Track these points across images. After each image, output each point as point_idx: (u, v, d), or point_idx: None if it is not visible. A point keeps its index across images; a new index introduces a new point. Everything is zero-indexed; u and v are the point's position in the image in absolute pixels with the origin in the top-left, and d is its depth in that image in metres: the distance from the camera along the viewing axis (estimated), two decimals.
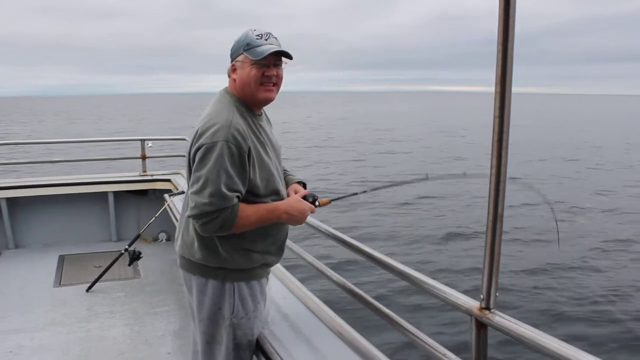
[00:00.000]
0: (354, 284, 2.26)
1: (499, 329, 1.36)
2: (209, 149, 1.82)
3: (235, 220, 1.86)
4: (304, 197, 2.08)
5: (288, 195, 2.12)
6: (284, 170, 2.25)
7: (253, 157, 1.92)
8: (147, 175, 6.17)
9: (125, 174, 6.29)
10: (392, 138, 31.26)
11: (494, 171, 1.30)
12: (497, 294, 1.38)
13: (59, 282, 4.75)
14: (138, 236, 4.87)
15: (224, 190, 1.81)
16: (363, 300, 2.13)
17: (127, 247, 4.65)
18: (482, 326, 1.41)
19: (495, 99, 1.27)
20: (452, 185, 14.21)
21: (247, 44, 1.94)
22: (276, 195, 2.04)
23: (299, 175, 2.28)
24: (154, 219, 4.92)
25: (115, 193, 6.00)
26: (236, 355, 2.09)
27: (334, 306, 2.44)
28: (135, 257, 4.57)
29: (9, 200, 5.64)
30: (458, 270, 8.10)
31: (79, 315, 4.04)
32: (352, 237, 2.19)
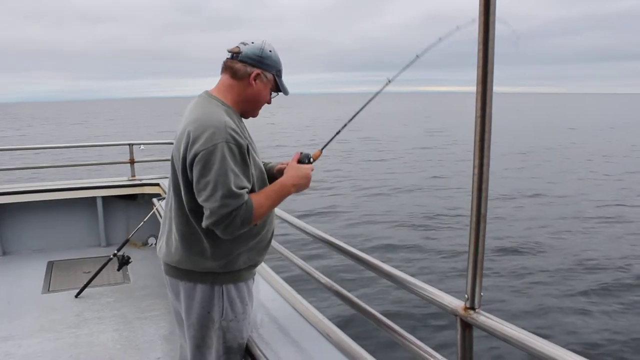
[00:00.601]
0: (341, 285, 2.26)
1: (484, 328, 1.35)
2: (210, 153, 1.79)
3: (252, 213, 1.86)
4: (299, 161, 2.10)
5: (280, 171, 2.13)
6: (263, 162, 2.24)
7: (251, 154, 1.94)
8: (135, 179, 6.13)
9: (113, 178, 6.24)
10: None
11: (476, 171, 1.29)
12: (482, 293, 1.38)
13: (47, 288, 4.70)
14: (127, 241, 4.83)
15: (235, 189, 1.80)
16: (350, 302, 2.13)
17: (115, 252, 4.62)
18: (467, 326, 1.41)
19: (476, 99, 1.26)
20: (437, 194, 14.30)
21: (279, 71, 2.07)
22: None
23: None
24: (142, 223, 4.89)
25: (104, 198, 5.96)
26: (226, 359, 2.08)
27: (322, 308, 2.43)
28: (124, 262, 4.54)
29: None
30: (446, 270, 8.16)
31: (68, 321, 4.00)
32: (337, 239, 2.19)
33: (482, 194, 1.30)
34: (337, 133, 2.20)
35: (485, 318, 1.37)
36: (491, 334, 1.34)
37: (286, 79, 2.09)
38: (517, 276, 7.94)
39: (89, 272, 4.81)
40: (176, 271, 2.04)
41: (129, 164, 6.20)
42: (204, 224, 1.86)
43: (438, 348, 1.60)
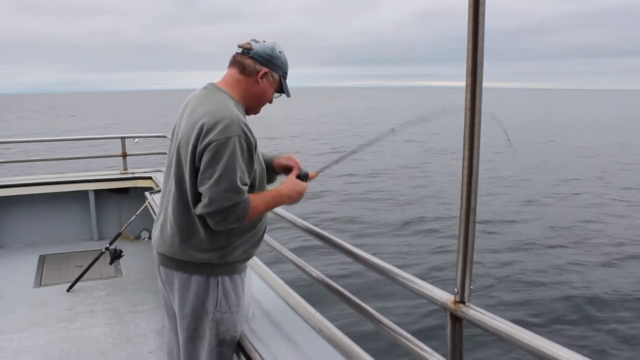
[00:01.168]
0: (332, 279, 2.25)
1: (474, 322, 1.35)
2: (222, 145, 1.80)
3: (248, 212, 1.89)
4: (298, 177, 2.16)
5: (279, 167, 2.23)
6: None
7: (257, 151, 1.96)
8: (128, 173, 6.10)
9: (106, 172, 6.21)
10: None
11: (466, 164, 1.29)
12: (472, 287, 1.38)
13: (39, 282, 4.68)
14: (119, 234, 4.82)
15: (239, 184, 1.83)
16: (341, 295, 2.13)
17: (108, 245, 4.60)
18: (457, 320, 1.41)
19: (466, 92, 1.24)
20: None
21: (285, 73, 2.11)
22: (262, 188, 2.09)
23: None
24: (135, 216, 4.87)
25: (96, 191, 5.93)
26: (219, 351, 2.08)
27: (313, 302, 2.43)
28: (116, 255, 4.53)
29: None
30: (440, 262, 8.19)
31: (59, 315, 3.98)
32: (327, 231, 2.20)
33: (472, 187, 1.30)
34: (336, 162, 2.24)
35: (475, 312, 1.36)
36: (481, 327, 1.34)
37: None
38: (507, 269, 7.99)
39: (81, 266, 4.79)
40: (171, 262, 2.04)
41: (121, 157, 6.17)
42: (198, 210, 1.87)
43: (428, 341, 1.60)
